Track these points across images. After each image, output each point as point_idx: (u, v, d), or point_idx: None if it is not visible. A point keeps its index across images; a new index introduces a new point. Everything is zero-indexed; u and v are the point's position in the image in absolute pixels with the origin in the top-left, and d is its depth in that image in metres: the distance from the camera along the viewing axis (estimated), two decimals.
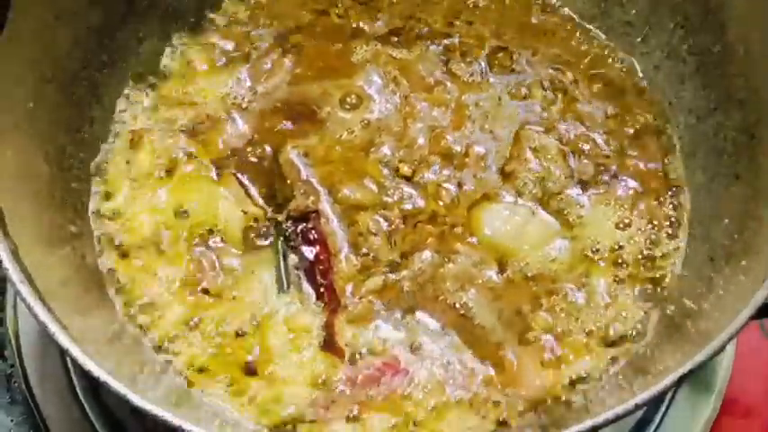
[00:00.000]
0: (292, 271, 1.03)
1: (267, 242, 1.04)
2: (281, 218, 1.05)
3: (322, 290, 1.01)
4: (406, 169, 1.08)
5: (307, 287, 1.02)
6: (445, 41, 1.17)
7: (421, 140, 1.09)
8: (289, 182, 1.07)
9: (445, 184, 1.07)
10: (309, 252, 1.03)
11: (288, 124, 1.11)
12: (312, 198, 1.06)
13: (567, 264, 1.03)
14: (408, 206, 1.06)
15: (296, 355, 0.98)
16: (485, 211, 1.05)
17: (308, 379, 0.97)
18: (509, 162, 1.08)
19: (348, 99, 1.12)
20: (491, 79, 1.15)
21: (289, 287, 1.02)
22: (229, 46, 1.17)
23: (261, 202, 1.06)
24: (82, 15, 1.05)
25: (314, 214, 1.05)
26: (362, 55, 1.15)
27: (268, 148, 1.10)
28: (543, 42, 1.18)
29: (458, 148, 1.09)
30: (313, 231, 1.04)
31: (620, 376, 0.95)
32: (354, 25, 1.18)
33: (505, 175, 1.08)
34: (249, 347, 0.98)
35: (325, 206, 1.06)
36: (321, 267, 1.02)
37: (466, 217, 1.05)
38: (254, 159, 1.09)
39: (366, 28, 1.18)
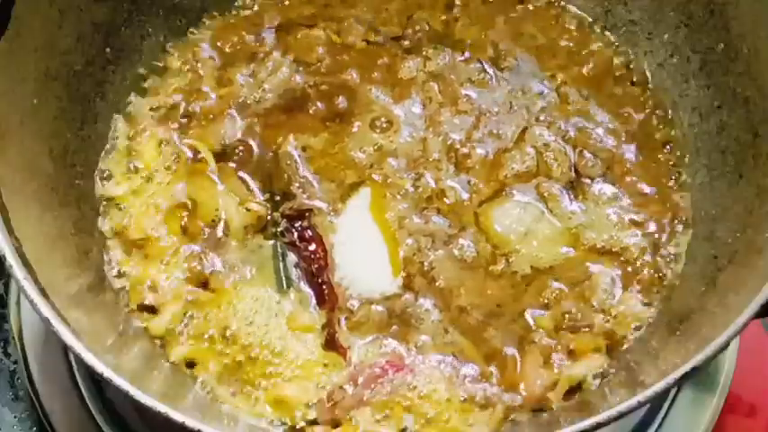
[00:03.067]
0: (292, 270, 1.03)
1: (267, 240, 1.04)
2: (277, 216, 1.05)
3: (324, 288, 1.01)
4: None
5: (306, 287, 1.02)
6: (450, 45, 1.17)
7: (435, 155, 1.09)
8: (286, 176, 1.07)
9: (450, 183, 1.07)
10: (306, 250, 1.03)
11: (290, 121, 1.11)
12: (308, 193, 1.06)
13: (570, 262, 1.03)
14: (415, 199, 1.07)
15: (298, 355, 0.98)
16: (495, 209, 1.05)
17: (311, 378, 0.97)
18: (515, 161, 1.08)
19: (378, 123, 1.11)
20: (494, 80, 1.14)
21: (289, 287, 1.02)
22: (233, 44, 1.17)
23: (261, 198, 1.06)
24: (86, 12, 1.05)
25: (308, 213, 1.05)
26: (408, 72, 1.15)
27: (269, 145, 1.10)
28: (546, 41, 1.18)
29: (464, 150, 1.09)
30: (309, 230, 1.04)
31: (623, 374, 0.95)
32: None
33: (512, 175, 1.08)
34: (250, 346, 0.99)
35: (321, 202, 1.06)
36: (317, 265, 1.02)
37: (474, 215, 1.05)
38: (255, 156, 1.09)
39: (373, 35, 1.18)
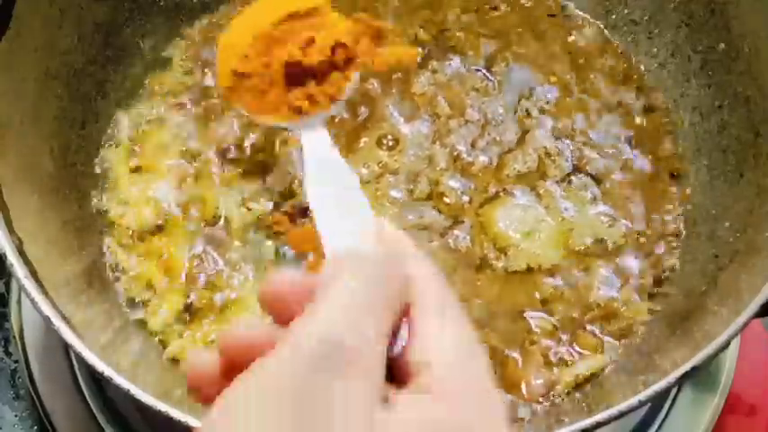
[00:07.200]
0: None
1: (269, 238, 1.04)
2: (278, 215, 1.05)
3: None
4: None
5: None
6: (452, 53, 1.16)
7: (441, 165, 1.09)
8: (287, 174, 1.07)
9: (452, 183, 1.07)
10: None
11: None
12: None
13: (569, 261, 1.03)
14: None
15: None
16: (497, 210, 1.05)
17: None
18: (516, 162, 1.08)
19: (385, 141, 1.11)
20: (496, 86, 1.14)
21: None
22: None
23: (263, 197, 1.07)
24: (87, 11, 1.05)
25: (310, 210, 1.05)
26: (420, 87, 1.14)
27: (270, 144, 1.10)
28: (546, 41, 1.18)
29: (469, 159, 1.09)
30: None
31: (623, 373, 0.95)
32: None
33: (513, 176, 1.08)
34: None
35: None
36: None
37: (475, 215, 1.05)
38: (256, 155, 1.09)
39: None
